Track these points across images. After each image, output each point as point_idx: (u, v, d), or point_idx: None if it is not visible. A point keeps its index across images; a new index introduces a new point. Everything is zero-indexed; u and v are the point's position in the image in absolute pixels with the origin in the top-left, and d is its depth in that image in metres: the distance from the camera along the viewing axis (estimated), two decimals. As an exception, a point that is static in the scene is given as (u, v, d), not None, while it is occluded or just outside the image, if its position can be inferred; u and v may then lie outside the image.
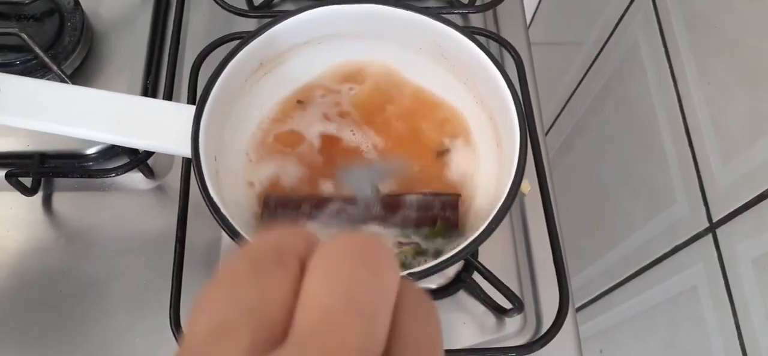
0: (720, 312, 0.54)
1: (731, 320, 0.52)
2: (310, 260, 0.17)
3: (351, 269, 0.16)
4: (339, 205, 0.42)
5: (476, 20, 0.58)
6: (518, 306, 0.43)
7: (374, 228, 0.42)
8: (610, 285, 0.73)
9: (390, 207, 0.43)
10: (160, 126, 0.40)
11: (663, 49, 0.60)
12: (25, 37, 0.49)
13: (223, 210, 0.36)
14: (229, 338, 0.15)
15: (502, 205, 0.36)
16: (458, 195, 0.44)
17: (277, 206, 0.42)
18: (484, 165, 0.45)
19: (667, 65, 0.59)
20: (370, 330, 0.16)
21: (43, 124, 0.40)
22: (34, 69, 0.50)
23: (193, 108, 0.39)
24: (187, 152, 0.38)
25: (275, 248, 0.17)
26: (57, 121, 0.40)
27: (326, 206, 0.42)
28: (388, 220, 0.42)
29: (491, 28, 0.58)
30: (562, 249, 0.46)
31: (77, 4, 0.53)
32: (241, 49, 0.41)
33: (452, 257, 0.36)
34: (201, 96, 0.39)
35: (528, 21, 0.80)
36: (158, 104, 0.44)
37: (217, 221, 0.36)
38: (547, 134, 0.92)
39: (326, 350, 0.15)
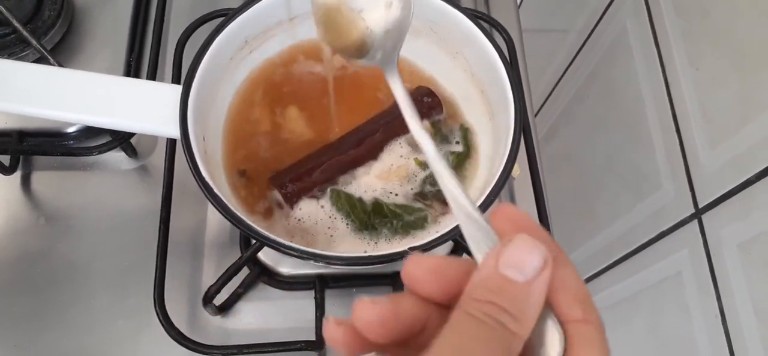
0: (704, 297, 0.54)
1: (715, 304, 0.53)
2: None
3: None
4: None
5: (467, 2, 0.58)
6: (507, 288, 0.43)
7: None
8: (596, 270, 0.73)
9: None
10: (146, 107, 0.39)
11: (652, 35, 0.60)
12: (3, 9, 0.47)
13: (217, 192, 0.35)
14: None
15: (495, 184, 0.36)
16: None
17: (292, 183, 0.42)
18: (478, 135, 0.44)
19: (656, 51, 0.59)
20: None
21: (21, 107, 0.38)
22: (12, 44, 0.49)
23: (178, 88, 0.38)
24: (176, 133, 0.37)
25: None
26: (37, 104, 0.38)
27: (333, 163, 0.42)
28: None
29: (482, 9, 0.58)
30: (550, 232, 0.46)
31: (57, -23, 0.52)
32: (226, 26, 0.40)
33: (441, 237, 0.36)
34: (187, 75, 0.38)
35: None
36: (142, 84, 0.42)
37: (212, 203, 0.35)
38: (535, 117, 0.92)
39: None
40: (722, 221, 0.51)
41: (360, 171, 0.43)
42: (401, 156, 0.44)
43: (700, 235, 0.54)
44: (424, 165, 0.43)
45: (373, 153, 0.43)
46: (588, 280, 0.75)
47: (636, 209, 0.64)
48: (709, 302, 0.54)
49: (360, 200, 0.42)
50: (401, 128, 0.44)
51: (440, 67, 0.46)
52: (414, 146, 0.44)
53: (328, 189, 0.42)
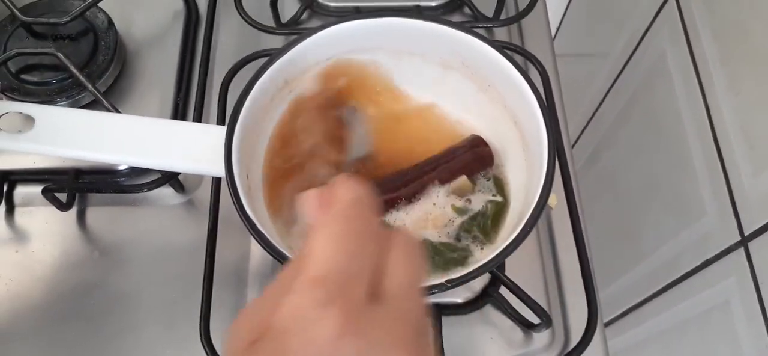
0: (753, 326, 0.52)
1: (765, 335, 0.51)
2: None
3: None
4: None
5: (501, 34, 0.58)
6: (546, 320, 0.43)
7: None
8: (640, 299, 0.72)
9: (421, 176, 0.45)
10: (192, 149, 0.41)
11: (690, 60, 0.59)
12: (61, 56, 0.50)
13: (261, 228, 0.36)
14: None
15: (530, 217, 0.36)
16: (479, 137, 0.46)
17: None
18: (512, 170, 0.45)
19: (695, 76, 0.58)
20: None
21: (77, 152, 0.41)
22: (69, 87, 0.52)
23: (222, 129, 0.40)
24: (221, 172, 0.38)
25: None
26: (91, 149, 0.41)
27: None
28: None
29: (516, 41, 0.58)
30: (590, 262, 0.45)
31: (111, 23, 0.55)
32: (267, 69, 0.42)
33: (478, 269, 0.36)
34: (231, 118, 0.40)
35: (553, 33, 0.80)
36: (189, 127, 0.45)
37: (257, 240, 0.36)
38: (573, 146, 0.91)
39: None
40: (769, 249, 0.50)
41: (395, 215, 0.44)
42: (434, 204, 0.44)
43: (747, 263, 0.53)
44: (461, 212, 0.44)
45: (409, 197, 0.44)
46: (634, 308, 0.74)
47: (680, 236, 0.63)
48: (759, 332, 0.52)
49: None
50: (442, 176, 0.45)
51: (472, 101, 0.47)
52: (451, 192, 0.45)
53: None
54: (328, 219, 0.25)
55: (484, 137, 0.46)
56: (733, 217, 0.54)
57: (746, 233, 0.52)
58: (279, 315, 0.22)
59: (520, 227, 0.36)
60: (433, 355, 0.24)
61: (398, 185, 0.44)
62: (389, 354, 0.22)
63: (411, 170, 0.45)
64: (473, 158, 0.45)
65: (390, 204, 0.44)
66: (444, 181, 0.45)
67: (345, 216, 0.25)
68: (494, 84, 0.44)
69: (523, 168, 0.43)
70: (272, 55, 0.42)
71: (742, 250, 0.53)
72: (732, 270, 0.55)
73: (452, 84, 0.47)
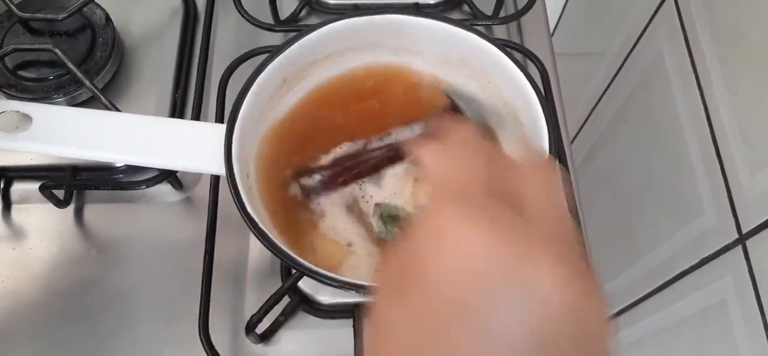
0: (750, 326, 0.53)
1: (763, 334, 0.51)
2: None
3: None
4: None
5: (500, 32, 0.59)
6: (545, 318, 0.43)
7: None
8: (636, 298, 0.72)
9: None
10: (191, 147, 0.41)
11: (689, 60, 0.59)
12: (59, 52, 0.50)
13: (262, 226, 0.36)
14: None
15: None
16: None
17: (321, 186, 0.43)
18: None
19: (693, 75, 0.59)
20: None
21: (75, 151, 0.41)
22: (67, 84, 0.52)
23: (221, 127, 0.40)
24: (221, 171, 0.38)
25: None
26: (89, 147, 0.41)
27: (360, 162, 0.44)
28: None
29: (515, 39, 0.58)
30: (590, 257, 0.45)
31: (108, 20, 0.55)
32: (266, 66, 0.42)
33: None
34: (230, 115, 0.40)
35: (551, 30, 0.80)
36: (188, 125, 0.44)
37: (259, 239, 0.36)
38: (571, 143, 0.91)
39: None
40: (767, 248, 0.50)
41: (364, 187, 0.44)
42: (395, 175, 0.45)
43: (744, 261, 0.53)
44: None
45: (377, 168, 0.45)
46: (630, 307, 0.74)
47: (677, 234, 0.63)
48: (756, 330, 0.52)
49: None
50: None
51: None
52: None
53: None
54: (444, 149, 0.25)
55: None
56: (731, 215, 0.54)
57: (744, 232, 0.52)
58: (422, 239, 0.22)
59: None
60: (588, 262, 0.23)
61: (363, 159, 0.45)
62: (538, 258, 0.21)
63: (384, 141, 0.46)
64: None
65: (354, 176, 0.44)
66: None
67: (461, 143, 0.25)
68: (494, 81, 0.44)
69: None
70: (271, 53, 0.42)
71: (739, 248, 0.53)
72: (729, 268, 0.55)
73: (450, 81, 0.47)
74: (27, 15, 0.53)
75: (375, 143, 0.45)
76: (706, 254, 0.58)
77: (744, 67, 0.52)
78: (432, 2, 0.59)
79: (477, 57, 0.44)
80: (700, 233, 0.59)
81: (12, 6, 0.52)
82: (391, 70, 0.47)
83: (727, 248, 0.55)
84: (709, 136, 0.56)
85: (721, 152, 0.55)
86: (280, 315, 0.46)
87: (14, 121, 0.42)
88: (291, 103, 0.46)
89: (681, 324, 0.64)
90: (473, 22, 0.57)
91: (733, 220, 0.54)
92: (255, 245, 0.49)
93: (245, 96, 0.40)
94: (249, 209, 0.36)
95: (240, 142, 0.39)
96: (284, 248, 0.35)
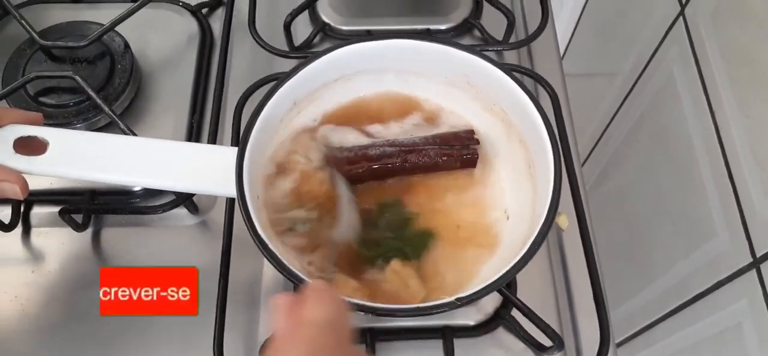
0: (766, 349, 0.52)
1: (779, 357, 0.51)
2: None
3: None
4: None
5: (511, 57, 0.59)
6: (558, 343, 0.43)
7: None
8: (652, 320, 0.71)
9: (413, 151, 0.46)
10: (206, 171, 0.41)
11: (699, 82, 0.60)
12: (79, 79, 0.51)
13: (273, 249, 0.37)
14: None
15: (537, 235, 0.37)
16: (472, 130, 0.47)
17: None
18: (517, 188, 0.45)
19: (704, 97, 0.59)
20: None
21: (92, 174, 0.42)
22: (86, 110, 0.53)
23: (235, 151, 0.40)
24: (234, 193, 0.39)
25: None
26: (106, 171, 0.42)
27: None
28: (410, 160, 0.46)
29: (525, 64, 0.59)
30: (601, 284, 0.45)
31: (127, 46, 0.56)
32: (275, 92, 0.43)
33: (487, 287, 0.36)
34: (242, 139, 0.41)
35: (561, 52, 0.81)
36: (202, 149, 0.45)
37: (269, 261, 0.37)
38: (583, 165, 0.91)
39: None
40: (782, 271, 0.50)
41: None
42: None
43: (759, 285, 0.52)
44: None
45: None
46: (645, 329, 0.74)
47: (691, 257, 0.63)
48: (772, 354, 0.52)
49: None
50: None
51: (476, 120, 0.48)
52: None
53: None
54: (292, 344, 0.25)
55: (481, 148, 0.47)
56: (744, 238, 0.54)
57: (758, 255, 0.52)
58: None
59: (527, 246, 0.37)
60: None
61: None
62: None
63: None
64: (458, 157, 0.46)
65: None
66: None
67: (309, 340, 0.25)
68: (499, 103, 0.45)
69: (530, 189, 0.44)
70: (280, 79, 0.43)
71: (754, 272, 0.53)
72: (744, 291, 0.55)
73: (454, 103, 0.48)
74: (49, 43, 0.54)
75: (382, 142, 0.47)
76: (720, 278, 0.58)
77: (756, 88, 0.52)
78: (443, 27, 0.60)
79: (483, 81, 0.45)
80: (713, 256, 0.59)
81: (34, 34, 0.54)
82: (402, 98, 0.48)
83: (741, 272, 0.55)
84: (721, 158, 0.56)
85: (734, 174, 0.55)
86: (293, 337, 0.46)
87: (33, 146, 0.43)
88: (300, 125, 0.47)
89: (697, 346, 0.64)
90: (484, 47, 0.57)
91: (746, 243, 0.53)
92: (269, 267, 0.49)
93: (256, 121, 0.41)
94: (260, 231, 0.37)
95: (251, 165, 0.40)
96: (295, 270, 0.36)
